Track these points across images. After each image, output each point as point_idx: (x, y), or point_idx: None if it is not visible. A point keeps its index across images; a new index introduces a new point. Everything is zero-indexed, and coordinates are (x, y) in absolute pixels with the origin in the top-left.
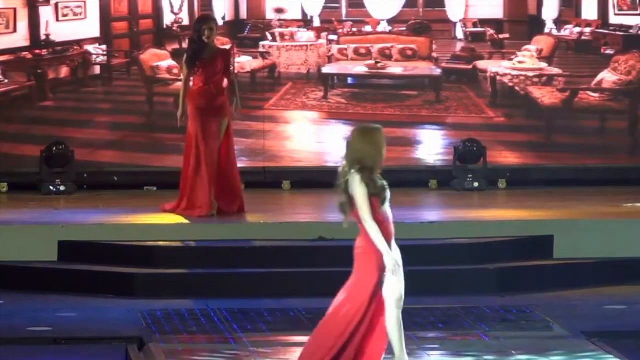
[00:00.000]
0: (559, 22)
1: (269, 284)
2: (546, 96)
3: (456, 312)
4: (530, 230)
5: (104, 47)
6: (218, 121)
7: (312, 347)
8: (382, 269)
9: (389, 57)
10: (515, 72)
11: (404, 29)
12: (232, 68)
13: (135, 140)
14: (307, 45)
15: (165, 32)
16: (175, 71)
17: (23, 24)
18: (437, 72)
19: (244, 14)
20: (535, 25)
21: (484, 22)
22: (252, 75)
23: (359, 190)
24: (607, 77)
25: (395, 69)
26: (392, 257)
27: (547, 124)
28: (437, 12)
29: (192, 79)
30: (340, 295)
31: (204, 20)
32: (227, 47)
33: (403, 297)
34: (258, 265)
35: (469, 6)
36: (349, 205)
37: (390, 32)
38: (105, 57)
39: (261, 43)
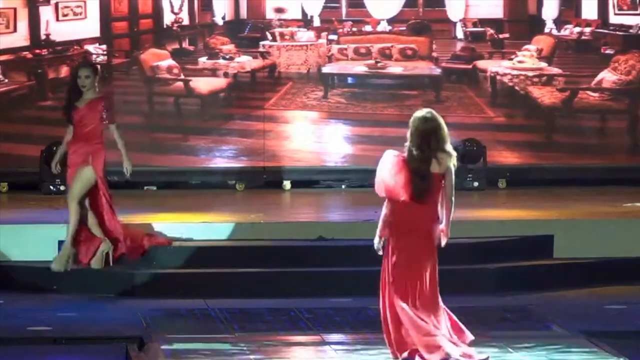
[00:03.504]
0: (559, 22)
1: (269, 284)
2: (546, 96)
3: (456, 312)
4: (530, 230)
5: (104, 46)
6: (76, 169)
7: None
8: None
9: (389, 57)
10: (515, 72)
11: (404, 28)
12: (111, 116)
13: (135, 140)
14: (307, 45)
15: (165, 32)
16: (176, 71)
17: (23, 24)
18: (437, 71)
19: (244, 13)
20: (535, 25)
21: (484, 22)
22: (252, 75)
23: (453, 171)
24: (607, 76)
25: (395, 68)
26: None
27: (547, 124)
28: (437, 12)
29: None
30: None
31: (80, 66)
32: (108, 93)
33: None
34: (258, 265)
35: (469, 6)
36: (432, 184)
37: (390, 32)
38: (105, 57)
39: (261, 43)
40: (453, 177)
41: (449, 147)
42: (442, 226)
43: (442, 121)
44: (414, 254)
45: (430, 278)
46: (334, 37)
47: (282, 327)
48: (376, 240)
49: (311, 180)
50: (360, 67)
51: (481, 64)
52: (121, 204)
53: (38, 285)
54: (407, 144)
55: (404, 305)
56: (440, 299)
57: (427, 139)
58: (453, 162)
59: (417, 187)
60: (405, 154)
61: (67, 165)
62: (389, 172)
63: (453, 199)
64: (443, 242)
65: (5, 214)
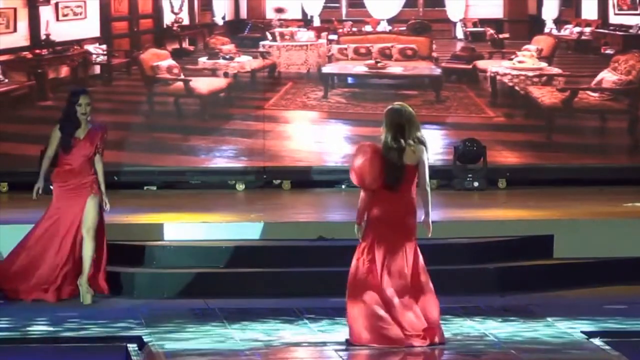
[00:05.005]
0: (559, 22)
1: (269, 284)
2: (546, 96)
3: (456, 312)
4: (530, 230)
5: (104, 46)
6: (84, 200)
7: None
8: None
9: (389, 57)
10: (515, 72)
11: (404, 28)
12: (102, 150)
13: (135, 140)
14: (307, 45)
15: (165, 32)
16: (176, 71)
17: (23, 24)
18: (437, 71)
19: (244, 13)
20: (535, 25)
21: (484, 22)
22: (252, 75)
23: (427, 159)
24: (607, 76)
25: (395, 68)
26: None
27: (547, 124)
28: (437, 12)
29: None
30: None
31: (79, 92)
32: (102, 124)
33: None
34: (258, 265)
35: (469, 6)
36: (405, 174)
37: (390, 32)
38: (106, 57)
39: (261, 43)
40: (426, 168)
41: (421, 137)
42: (424, 218)
43: (414, 113)
44: (390, 244)
45: (412, 269)
46: (334, 37)
47: (282, 327)
48: (356, 228)
49: (311, 180)
50: (360, 67)
51: (481, 64)
52: (121, 204)
53: None
54: (382, 135)
55: (370, 296)
56: (426, 287)
57: (402, 130)
58: (426, 153)
59: (391, 177)
60: (381, 145)
61: (65, 194)
62: (363, 161)
63: (428, 188)
64: (429, 234)
65: (5, 214)
